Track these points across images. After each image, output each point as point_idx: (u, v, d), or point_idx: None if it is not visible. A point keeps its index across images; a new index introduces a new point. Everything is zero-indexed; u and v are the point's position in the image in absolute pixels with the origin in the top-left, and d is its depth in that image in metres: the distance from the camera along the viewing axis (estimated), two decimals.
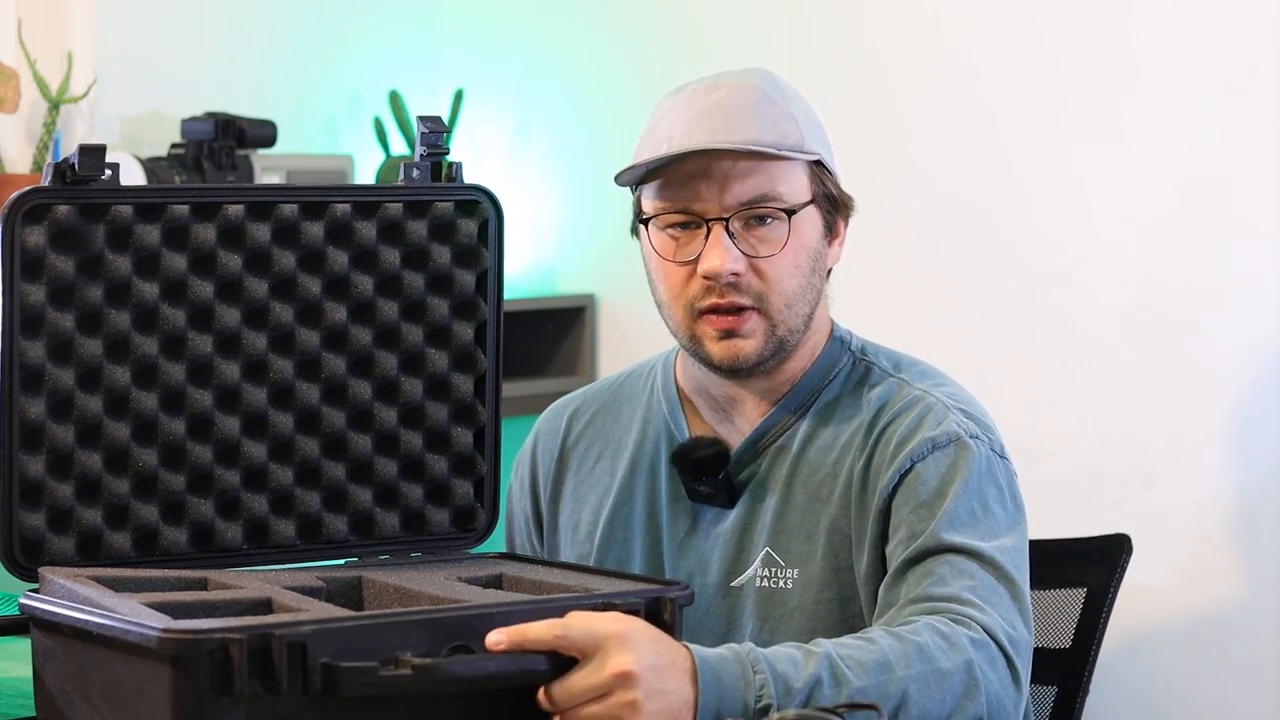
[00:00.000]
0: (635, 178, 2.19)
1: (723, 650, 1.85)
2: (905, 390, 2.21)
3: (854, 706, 1.81)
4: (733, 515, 2.23)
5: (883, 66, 3.43)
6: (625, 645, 1.78)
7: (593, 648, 1.78)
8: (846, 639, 1.94)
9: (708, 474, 2.23)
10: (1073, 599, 2.53)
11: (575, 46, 3.86)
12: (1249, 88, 3.06)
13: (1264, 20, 3.05)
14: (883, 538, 2.13)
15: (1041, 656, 2.47)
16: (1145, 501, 3.14)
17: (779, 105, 2.17)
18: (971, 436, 2.15)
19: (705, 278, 2.15)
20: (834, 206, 2.21)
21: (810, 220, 2.19)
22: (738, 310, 2.16)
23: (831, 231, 2.23)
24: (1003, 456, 2.18)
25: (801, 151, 2.17)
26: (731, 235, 2.15)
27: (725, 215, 2.14)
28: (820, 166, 2.20)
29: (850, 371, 2.25)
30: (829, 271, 2.26)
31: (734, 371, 2.19)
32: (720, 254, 2.14)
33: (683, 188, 2.16)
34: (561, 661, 1.78)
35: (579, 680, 1.77)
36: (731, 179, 2.14)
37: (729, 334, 2.17)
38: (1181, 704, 3.16)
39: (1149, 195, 3.16)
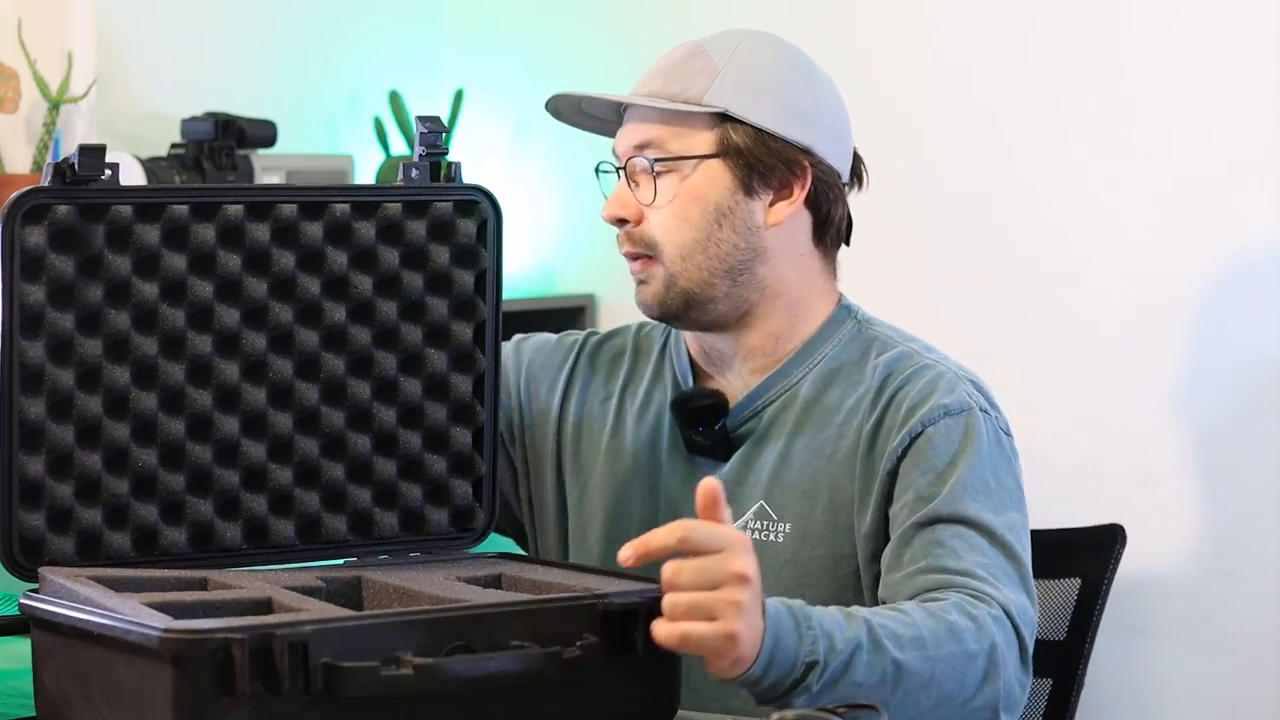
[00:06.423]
0: (555, 108, 2.30)
1: (774, 601, 1.85)
2: (916, 358, 2.21)
3: (855, 707, 1.81)
4: (726, 468, 2.23)
5: (887, 63, 3.42)
6: (748, 553, 1.79)
7: (717, 546, 1.79)
8: (881, 609, 1.94)
9: (704, 424, 2.24)
10: (1067, 590, 2.52)
11: (575, 46, 3.86)
12: (1254, 85, 3.06)
13: (1268, 18, 3.05)
14: (888, 499, 2.14)
15: (1037, 649, 2.47)
16: (1145, 501, 3.14)
17: (707, 58, 2.21)
18: (982, 410, 2.16)
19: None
20: (749, 163, 2.19)
21: (708, 174, 2.19)
22: (635, 257, 2.23)
23: (762, 188, 2.19)
24: (1008, 434, 2.19)
25: (699, 105, 2.18)
26: (637, 185, 2.21)
27: (618, 164, 2.24)
28: (730, 120, 2.18)
29: (855, 338, 2.25)
30: (830, 239, 2.25)
31: (657, 318, 2.24)
32: (609, 199, 2.24)
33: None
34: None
35: (703, 565, 1.78)
36: (629, 129, 2.23)
37: (638, 281, 2.23)
38: (1179, 702, 3.16)
39: (1150, 194, 3.16)
